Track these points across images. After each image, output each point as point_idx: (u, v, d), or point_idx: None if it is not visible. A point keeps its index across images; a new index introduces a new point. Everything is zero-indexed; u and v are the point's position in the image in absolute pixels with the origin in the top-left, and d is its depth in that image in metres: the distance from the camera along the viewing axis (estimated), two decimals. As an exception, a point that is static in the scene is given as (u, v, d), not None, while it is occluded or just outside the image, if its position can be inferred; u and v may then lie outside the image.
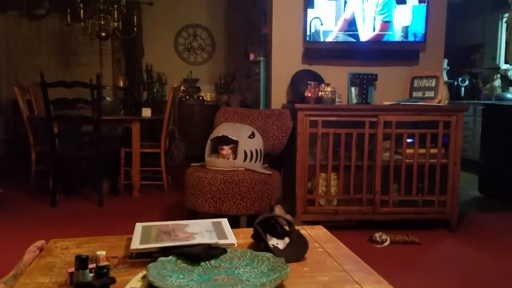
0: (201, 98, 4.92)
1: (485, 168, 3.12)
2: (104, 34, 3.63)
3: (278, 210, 2.11)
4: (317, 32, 2.54)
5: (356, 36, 2.53)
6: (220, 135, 2.27)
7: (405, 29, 2.52)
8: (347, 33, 2.53)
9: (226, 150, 2.21)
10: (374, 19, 2.51)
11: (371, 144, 2.39)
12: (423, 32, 2.53)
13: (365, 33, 2.53)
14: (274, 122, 2.50)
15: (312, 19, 2.53)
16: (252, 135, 2.30)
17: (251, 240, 1.04)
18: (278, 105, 2.72)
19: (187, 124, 4.47)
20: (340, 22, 2.52)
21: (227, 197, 2.11)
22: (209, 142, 2.32)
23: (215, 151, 2.29)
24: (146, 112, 3.30)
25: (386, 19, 2.51)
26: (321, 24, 2.52)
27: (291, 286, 0.82)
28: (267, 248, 0.95)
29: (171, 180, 3.50)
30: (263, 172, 2.21)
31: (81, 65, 4.56)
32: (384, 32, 2.52)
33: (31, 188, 3.16)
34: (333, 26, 2.53)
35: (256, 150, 2.27)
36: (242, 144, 2.23)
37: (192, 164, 2.41)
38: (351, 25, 2.51)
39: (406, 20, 2.51)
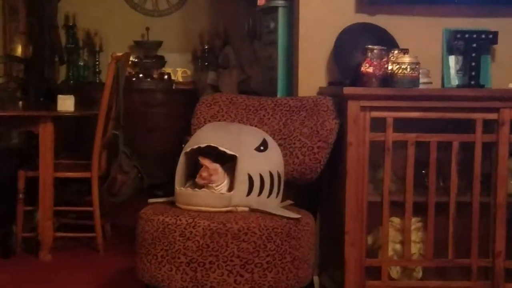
0: (166, 77, 4.97)
1: None
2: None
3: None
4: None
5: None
6: (202, 145, 2.28)
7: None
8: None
9: (211, 169, 2.26)
10: None
11: (487, 163, 2.41)
12: None
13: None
14: (303, 121, 2.51)
15: None
16: (262, 146, 2.31)
17: None
18: (310, 90, 2.75)
19: (141, 126, 4.51)
20: None
21: (217, 262, 2.12)
22: (182, 159, 2.34)
23: (194, 175, 2.31)
24: (66, 104, 3.33)
25: None
26: None
27: None
28: None
29: (111, 230, 3.57)
30: (283, 216, 2.22)
31: None
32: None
33: None
34: None
35: (271, 174, 2.29)
36: (245, 162, 2.25)
37: (150, 201, 2.44)
38: None
39: None
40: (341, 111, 2.46)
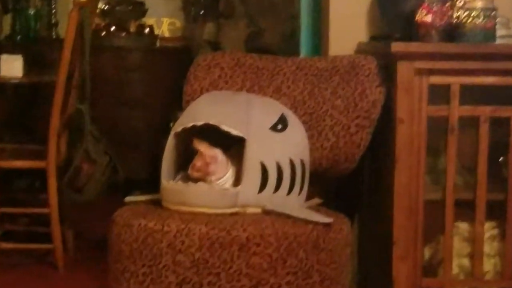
0: (147, 31, 4.95)
1: None
2: None
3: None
4: None
5: None
6: (199, 123, 2.28)
7: None
8: None
9: (208, 156, 2.25)
10: None
11: None
12: None
13: None
14: (336, 90, 2.52)
15: None
16: (280, 125, 2.32)
17: None
18: (346, 47, 2.76)
19: (114, 98, 4.50)
20: None
21: (218, 283, 2.13)
22: (170, 142, 2.36)
23: (187, 165, 2.31)
24: (11, 67, 3.35)
25: None
26: None
27: None
28: None
29: (75, 239, 3.55)
30: (309, 220, 2.22)
31: None
32: None
33: None
34: None
35: (292, 163, 2.29)
36: (256, 146, 2.26)
37: (127, 199, 2.46)
38: None
39: None
40: (388, 76, 2.46)
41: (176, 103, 2.89)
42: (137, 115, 4.50)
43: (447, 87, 2.37)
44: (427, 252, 2.45)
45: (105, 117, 3.89)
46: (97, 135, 3.35)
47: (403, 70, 2.35)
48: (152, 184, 2.50)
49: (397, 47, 2.35)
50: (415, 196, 2.38)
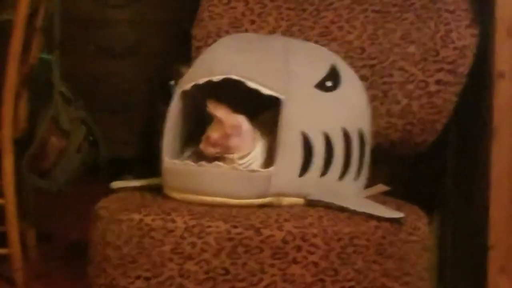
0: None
1: None
2: None
3: None
4: None
5: None
6: (216, 78, 2.30)
7: None
8: None
9: (228, 125, 2.28)
10: None
11: None
12: None
13: None
14: (408, 32, 2.58)
15: None
16: (330, 81, 2.34)
17: None
18: None
19: (93, 46, 4.50)
20: None
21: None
22: (175, 106, 2.39)
23: (198, 138, 2.34)
24: None
25: None
26: None
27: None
28: None
29: (40, 242, 3.63)
30: (371, 214, 2.24)
31: None
32: None
33: None
34: None
35: (346, 135, 2.32)
36: (296, 111, 2.28)
37: (115, 185, 2.51)
38: None
39: None
40: (483, 13, 2.49)
41: (179, 52, 2.89)
42: (124, 70, 4.50)
43: None
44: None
45: (82, 71, 3.90)
46: (70, 96, 3.37)
47: (504, 3, 2.39)
48: (147, 164, 2.51)
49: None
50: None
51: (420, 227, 2.30)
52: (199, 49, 2.55)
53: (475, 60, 2.48)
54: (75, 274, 2.56)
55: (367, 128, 2.38)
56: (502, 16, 2.34)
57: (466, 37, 2.48)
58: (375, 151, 2.41)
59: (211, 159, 2.27)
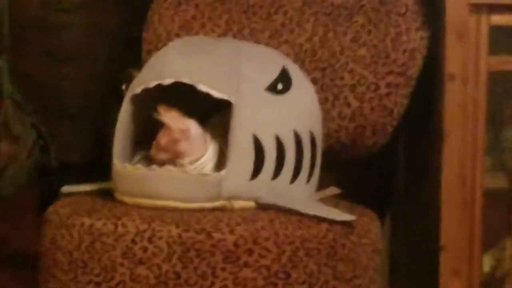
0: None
1: None
2: None
3: None
4: None
5: None
6: (165, 82, 2.30)
7: None
8: None
9: (176, 129, 2.27)
10: None
11: None
12: None
13: None
14: (359, 34, 2.59)
15: None
16: (281, 84, 2.34)
17: None
18: None
19: (42, 49, 4.47)
20: None
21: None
22: (125, 109, 2.40)
23: (148, 142, 2.34)
24: None
25: None
26: None
27: None
28: None
29: None
30: (322, 217, 2.24)
31: None
32: None
33: None
34: None
35: (297, 137, 2.32)
36: (247, 114, 2.28)
37: (65, 190, 2.50)
38: None
39: None
40: (433, 15, 2.51)
41: (130, 56, 2.89)
42: (75, 74, 4.47)
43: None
44: (487, 262, 2.49)
45: (32, 75, 3.88)
46: (20, 100, 3.35)
47: (454, 6, 2.38)
48: (98, 169, 2.50)
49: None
50: (471, 184, 2.41)
51: (372, 230, 2.32)
52: (149, 53, 2.55)
53: (426, 63, 2.50)
54: (22, 283, 2.53)
55: (318, 131, 2.39)
56: (452, 19, 2.35)
57: (416, 40, 2.50)
58: (326, 154, 2.42)
59: (161, 163, 2.27)
